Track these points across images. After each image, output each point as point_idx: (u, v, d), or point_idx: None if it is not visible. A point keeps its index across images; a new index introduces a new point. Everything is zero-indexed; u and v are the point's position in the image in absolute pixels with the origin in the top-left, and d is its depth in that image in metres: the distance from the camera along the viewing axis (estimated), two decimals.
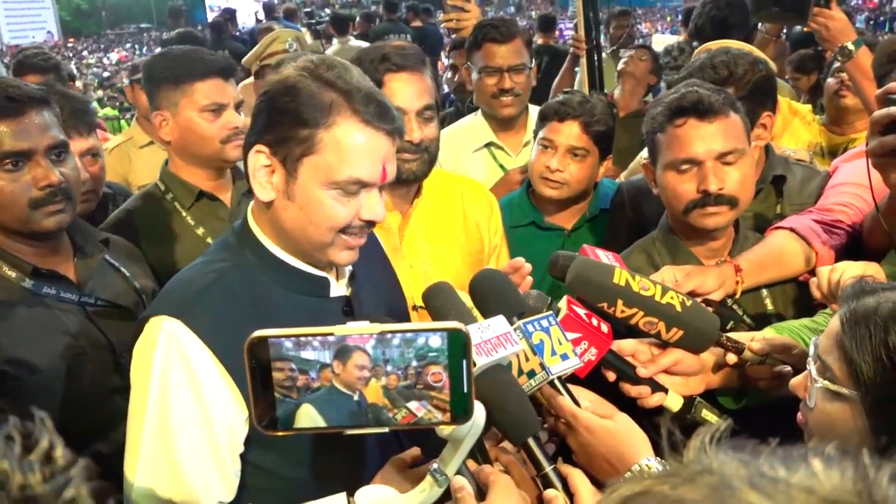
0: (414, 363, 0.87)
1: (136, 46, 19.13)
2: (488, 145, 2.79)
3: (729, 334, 1.48)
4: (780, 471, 0.49)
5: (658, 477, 0.54)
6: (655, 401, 1.39)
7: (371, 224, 1.32)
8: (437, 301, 1.25)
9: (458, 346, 0.86)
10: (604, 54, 3.95)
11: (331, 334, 0.86)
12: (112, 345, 1.76)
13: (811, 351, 1.13)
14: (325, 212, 1.26)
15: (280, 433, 0.90)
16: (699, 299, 1.64)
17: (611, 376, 1.42)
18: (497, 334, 1.13)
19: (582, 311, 1.36)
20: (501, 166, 2.76)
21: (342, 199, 1.26)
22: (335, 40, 7.32)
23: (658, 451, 1.14)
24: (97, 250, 1.85)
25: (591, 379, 1.37)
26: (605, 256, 1.56)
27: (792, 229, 1.81)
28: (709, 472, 0.51)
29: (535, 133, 2.33)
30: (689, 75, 2.03)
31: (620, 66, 3.60)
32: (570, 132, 2.21)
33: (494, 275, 1.38)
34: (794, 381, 1.20)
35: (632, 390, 1.41)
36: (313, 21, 9.46)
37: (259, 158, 1.27)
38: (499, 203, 2.35)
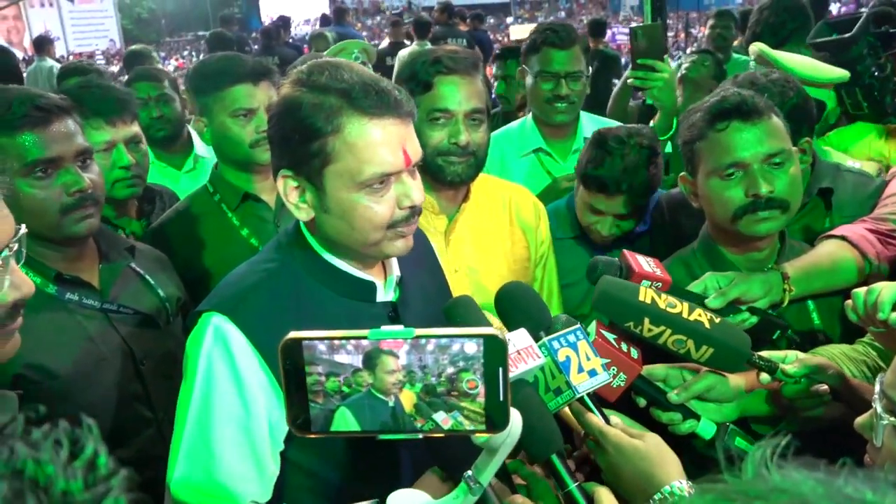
0: (449, 370, 0.85)
1: (194, 53, 19.64)
2: (537, 151, 2.74)
3: (762, 353, 1.40)
4: (867, 494, 0.46)
5: (722, 492, 0.50)
6: (687, 428, 1.36)
7: (415, 211, 1.30)
8: (458, 314, 1.22)
9: (495, 353, 0.84)
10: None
11: (364, 338, 0.85)
12: (133, 352, 1.76)
13: (876, 388, 1.07)
14: (363, 214, 1.25)
15: (313, 435, 0.90)
16: (744, 307, 1.58)
17: (641, 402, 1.38)
18: (518, 349, 1.10)
19: (611, 336, 1.32)
20: (549, 172, 2.71)
21: (375, 197, 1.25)
22: (414, 42, 7.70)
23: (688, 474, 1.12)
24: (122, 258, 1.86)
25: (621, 405, 1.32)
26: (645, 262, 1.51)
27: (844, 237, 1.72)
28: (781, 491, 0.47)
29: (578, 185, 2.22)
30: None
31: (682, 71, 3.49)
32: (615, 204, 2.11)
33: (521, 288, 1.35)
34: (860, 421, 1.12)
35: (663, 416, 1.37)
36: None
37: (287, 183, 1.28)
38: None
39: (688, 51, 4.54)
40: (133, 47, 5.99)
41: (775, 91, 1.93)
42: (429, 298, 1.48)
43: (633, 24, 3.40)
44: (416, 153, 1.28)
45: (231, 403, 1.26)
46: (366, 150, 1.22)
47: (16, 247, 1.05)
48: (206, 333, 1.27)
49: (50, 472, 0.47)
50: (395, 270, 1.42)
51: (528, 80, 2.73)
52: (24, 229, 1.07)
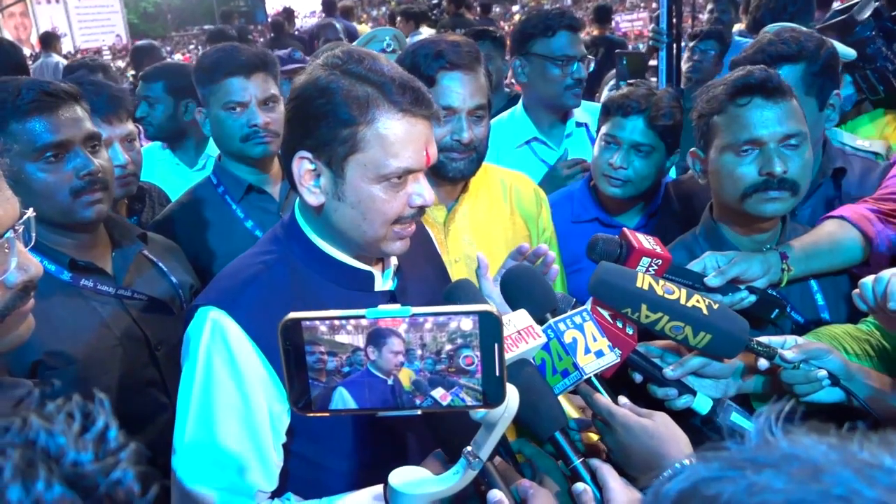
0: (447, 347, 0.87)
1: (199, 47, 19.66)
2: (530, 141, 2.76)
3: (760, 338, 1.40)
4: (885, 458, 0.44)
5: (728, 460, 0.48)
6: (683, 403, 1.35)
7: (421, 211, 1.32)
8: (458, 298, 1.24)
9: (490, 329, 0.86)
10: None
11: (362, 317, 0.86)
12: (147, 337, 1.79)
13: None
14: (378, 206, 1.26)
15: (314, 414, 0.91)
16: (743, 286, 1.58)
17: (637, 378, 1.39)
18: (518, 329, 1.12)
19: (606, 314, 1.32)
20: (542, 161, 2.72)
21: (392, 192, 1.26)
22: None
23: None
24: (134, 245, 1.88)
25: (618, 381, 1.33)
26: (645, 240, 1.52)
27: (843, 217, 1.73)
28: (791, 458, 0.45)
29: (598, 128, 2.26)
30: (756, 52, 1.93)
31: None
32: (634, 127, 2.12)
33: (527, 270, 1.36)
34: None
35: (658, 392, 1.37)
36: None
37: (303, 164, 1.28)
38: (558, 196, 2.33)
39: (737, 27, 4.51)
40: (139, 43, 6.01)
41: (814, 41, 1.93)
42: (428, 287, 1.49)
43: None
44: (434, 155, 1.30)
45: (231, 397, 1.27)
46: (395, 144, 1.23)
47: (21, 229, 1.06)
48: (204, 328, 1.28)
49: (61, 443, 0.49)
50: (393, 260, 1.43)
51: (527, 69, 2.72)
52: (30, 212, 1.09)
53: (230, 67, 2.16)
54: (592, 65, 2.83)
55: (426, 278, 1.52)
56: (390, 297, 1.39)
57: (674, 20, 3.38)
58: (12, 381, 1.19)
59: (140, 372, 1.77)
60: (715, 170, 1.69)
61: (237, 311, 1.27)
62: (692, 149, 1.79)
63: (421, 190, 1.28)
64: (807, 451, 0.46)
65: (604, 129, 2.20)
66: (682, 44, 4.37)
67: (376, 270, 1.39)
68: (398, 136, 1.23)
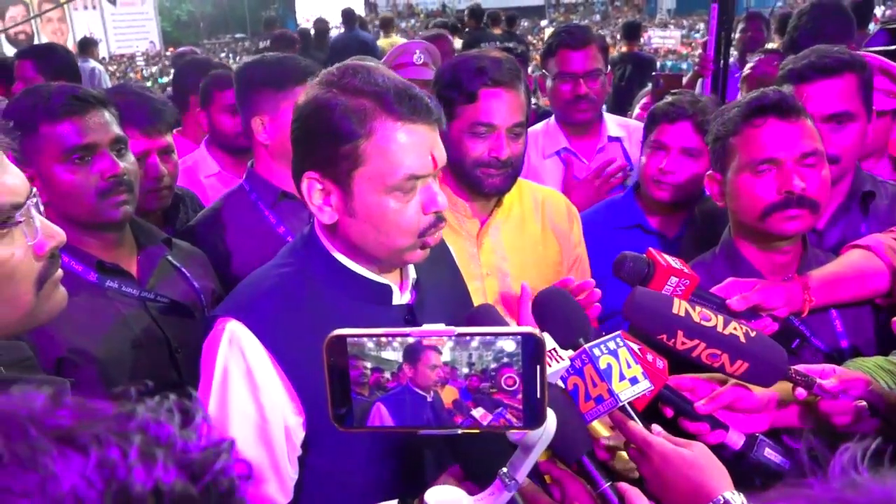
0: (490, 366, 0.87)
1: (231, 55, 19.92)
2: (561, 151, 2.77)
3: (798, 368, 1.35)
4: None
5: (812, 499, 0.46)
6: (715, 438, 1.32)
7: (441, 217, 1.31)
8: (481, 322, 1.23)
9: (533, 351, 0.86)
10: None
11: (407, 335, 0.87)
12: (168, 340, 1.81)
13: None
14: (392, 217, 1.26)
15: (354, 430, 0.92)
16: (763, 314, 1.55)
17: (668, 412, 1.35)
18: None
19: (636, 347, 1.28)
20: (573, 175, 2.73)
21: (402, 201, 1.25)
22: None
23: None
24: (159, 249, 1.92)
25: (648, 416, 1.29)
26: (672, 261, 1.50)
27: (868, 247, 1.69)
28: (882, 502, 0.44)
29: (645, 137, 2.29)
30: (804, 67, 1.88)
31: (746, 70, 3.49)
32: (681, 132, 2.16)
33: (559, 294, 1.35)
34: None
35: (690, 427, 1.33)
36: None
37: (311, 184, 1.28)
38: (601, 204, 2.38)
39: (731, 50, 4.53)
40: (181, 50, 6.12)
41: (858, 57, 1.92)
42: (446, 301, 1.48)
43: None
44: (441, 158, 1.29)
45: (247, 408, 1.27)
46: (397, 153, 1.23)
47: (35, 199, 1.08)
48: (222, 338, 1.28)
49: (170, 433, 0.51)
50: (412, 273, 1.42)
51: (549, 83, 2.76)
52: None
53: (307, 73, 2.10)
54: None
55: (444, 292, 1.52)
56: (408, 310, 1.39)
57: (721, 48, 3.40)
58: (46, 378, 1.22)
59: (161, 373, 1.79)
60: (733, 190, 1.69)
61: (254, 321, 1.27)
62: (709, 172, 1.78)
63: (432, 196, 1.27)
64: None
65: (651, 136, 2.23)
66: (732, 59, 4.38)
67: (394, 283, 1.38)
68: (399, 145, 1.23)
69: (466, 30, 8.73)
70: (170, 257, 1.93)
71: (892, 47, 2.61)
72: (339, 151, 1.23)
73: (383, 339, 0.87)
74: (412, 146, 1.23)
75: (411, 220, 1.27)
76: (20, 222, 1.05)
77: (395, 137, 1.23)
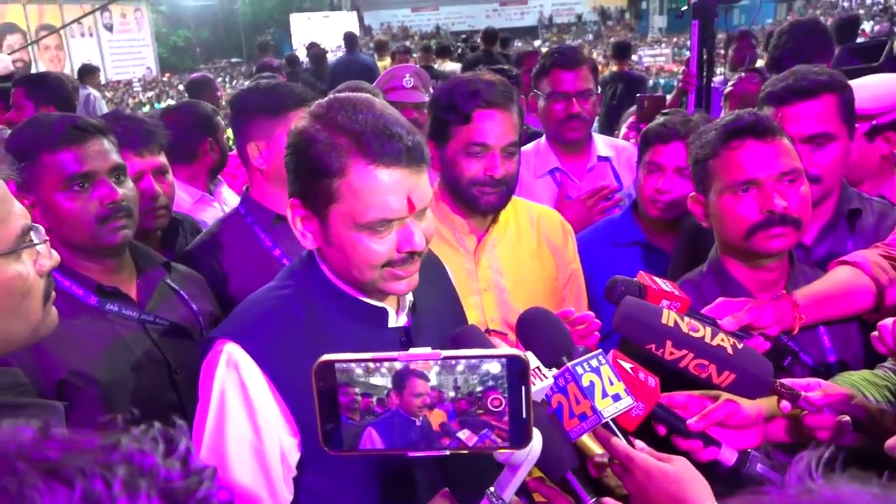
0: (476, 389, 0.89)
1: (227, 80, 20.06)
2: (553, 171, 2.81)
3: (784, 381, 1.37)
4: None
5: None
6: (708, 455, 1.33)
7: (414, 254, 1.29)
8: (465, 343, 1.25)
9: (517, 372, 0.88)
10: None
11: (394, 359, 0.89)
12: (168, 361, 1.83)
13: None
14: (361, 253, 1.26)
15: (345, 454, 0.93)
16: (755, 333, 1.57)
17: (661, 430, 1.36)
18: None
19: (628, 366, 1.30)
20: (566, 194, 2.77)
21: (375, 238, 1.25)
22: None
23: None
24: (158, 273, 1.95)
25: (641, 433, 1.31)
26: (663, 283, 1.52)
27: (856, 264, 1.71)
28: None
29: (640, 157, 2.34)
30: (783, 90, 1.91)
31: (728, 88, 3.55)
32: (675, 153, 2.21)
33: (542, 313, 1.36)
34: (891, 443, 1.12)
35: (683, 444, 1.34)
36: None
37: (295, 210, 1.31)
38: (600, 222, 2.42)
39: (719, 70, 4.58)
40: (194, 76, 6.24)
41: (837, 76, 1.93)
42: (443, 322, 1.48)
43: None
44: (421, 201, 1.26)
45: (243, 430, 1.28)
46: (370, 196, 1.22)
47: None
48: (219, 360, 1.29)
49: (153, 462, 0.52)
50: (409, 296, 1.42)
51: (541, 102, 2.82)
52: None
53: (300, 100, 2.15)
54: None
55: (441, 314, 1.52)
56: (404, 333, 1.40)
57: (704, 64, 3.46)
58: (44, 403, 1.25)
59: (160, 395, 1.81)
60: (716, 212, 1.71)
61: (251, 344, 1.28)
62: (692, 194, 1.81)
63: (408, 237, 1.26)
64: (850, 499, 0.44)
65: (646, 158, 2.28)
66: (722, 77, 4.45)
67: (391, 307, 1.39)
68: (373, 188, 1.21)
69: (460, 52, 8.82)
70: (168, 280, 1.96)
71: (856, 66, 2.66)
72: (317, 185, 1.25)
73: (371, 365, 0.89)
74: (386, 189, 1.22)
75: (381, 257, 1.26)
76: (35, 244, 1.12)
77: (368, 179, 1.21)
